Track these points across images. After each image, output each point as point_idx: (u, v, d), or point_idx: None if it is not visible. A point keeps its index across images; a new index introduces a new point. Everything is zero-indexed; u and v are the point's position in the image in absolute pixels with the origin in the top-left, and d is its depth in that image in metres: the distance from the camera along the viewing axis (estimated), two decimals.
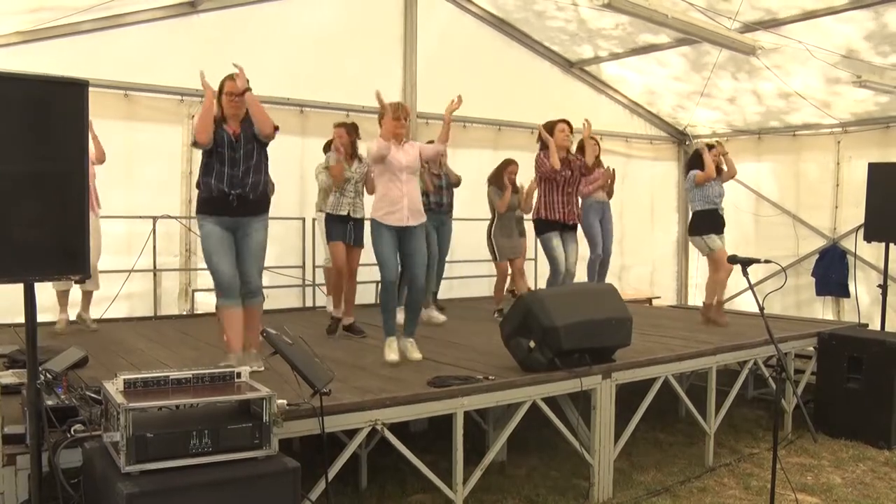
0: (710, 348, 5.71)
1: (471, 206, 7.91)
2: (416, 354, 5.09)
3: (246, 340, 4.65)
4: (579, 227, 6.90)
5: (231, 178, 4.46)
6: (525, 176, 7.39)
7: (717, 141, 7.27)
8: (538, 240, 6.71)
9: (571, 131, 6.55)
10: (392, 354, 5.02)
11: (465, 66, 8.95)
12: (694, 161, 7.12)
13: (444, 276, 7.48)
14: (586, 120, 6.94)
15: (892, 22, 6.97)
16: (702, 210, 7.00)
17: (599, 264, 7.48)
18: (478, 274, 9.02)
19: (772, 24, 7.42)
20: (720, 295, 7.15)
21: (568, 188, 6.47)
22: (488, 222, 7.57)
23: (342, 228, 6.14)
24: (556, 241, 6.50)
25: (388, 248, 5.04)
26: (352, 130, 6.29)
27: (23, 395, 3.34)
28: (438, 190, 7.03)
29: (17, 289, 2.99)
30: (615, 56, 9.40)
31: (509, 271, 7.64)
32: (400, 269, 5.29)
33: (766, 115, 9.70)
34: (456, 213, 7.36)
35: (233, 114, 4.50)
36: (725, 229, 7.16)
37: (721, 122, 10.37)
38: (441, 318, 6.88)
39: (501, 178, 7.46)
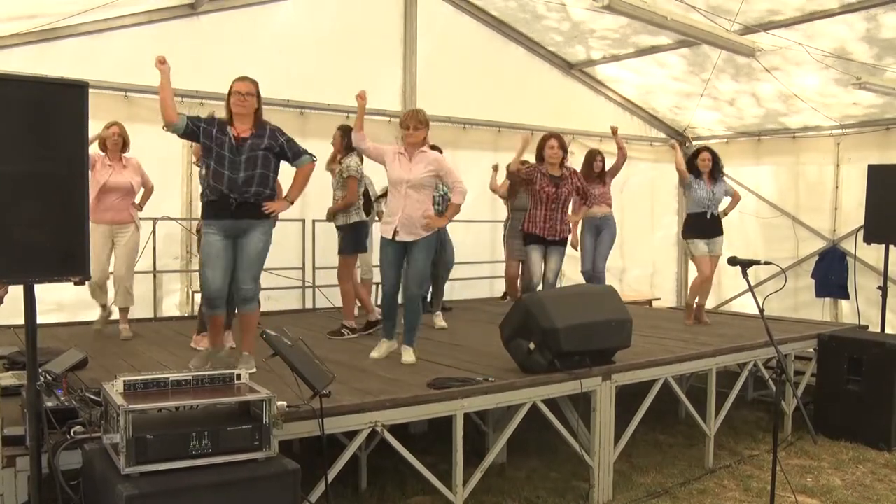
0: (709, 350, 5.71)
1: (471, 208, 7.89)
2: (408, 358, 5.06)
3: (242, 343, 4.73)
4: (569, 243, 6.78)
5: (230, 182, 4.40)
6: None
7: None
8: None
9: (562, 146, 6.34)
10: (374, 352, 5.18)
11: (465, 68, 8.97)
12: (689, 163, 7.15)
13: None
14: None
15: (889, 24, 6.97)
16: (689, 213, 7.08)
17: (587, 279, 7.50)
18: (478, 276, 9.03)
19: (771, 25, 7.42)
20: (702, 299, 7.28)
21: (552, 204, 6.32)
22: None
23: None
24: (534, 255, 6.38)
25: (383, 260, 5.14)
26: (346, 133, 6.37)
27: (23, 397, 3.34)
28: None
29: (17, 290, 2.99)
30: (615, 58, 9.40)
31: (521, 271, 7.67)
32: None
33: (766, 117, 9.70)
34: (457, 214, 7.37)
35: (239, 113, 4.46)
36: (726, 231, 7.18)
37: (721, 124, 10.37)
38: (441, 323, 6.89)
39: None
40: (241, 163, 4.41)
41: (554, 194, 6.28)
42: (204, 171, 4.60)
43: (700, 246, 7.02)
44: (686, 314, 7.35)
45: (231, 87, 4.49)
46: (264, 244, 4.59)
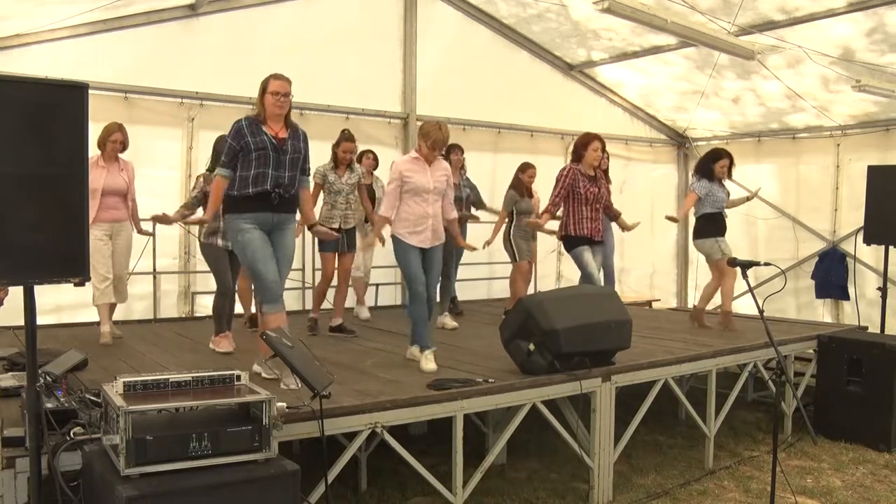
0: (709, 351, 5.71)
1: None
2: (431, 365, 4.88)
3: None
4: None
5: (276, 179, 4.35)
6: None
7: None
8: (570, 254, 6.45)
9: (604, 148, 6.33)
10: (431, 364, 4.83)
11: (465, 69, 8.98)
12: (705, 165, 6.95)
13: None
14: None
15: (891, 23, 6.98)
16: (710, 213, 6.83)
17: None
18: (477, 277, 9.03)
19: (771, 26, 7.42)
20: (727, 304, 6.97)
21: (596, 204, 6.26)
22: (505, 226, 7.63)
23: (333, 241, 6.19)
24: (588, 256, 6.23)
25: (415, 264, 5.02)
26: (350, 139, 6.43)
27: (22, 398, 3.34)
28: (457, 203, 7.13)
29: (17, 291, 2.99)
30: (615, 59, 9.41)
31: (530, 270, 7.71)
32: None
33: (767, 118, 9.71)
34: None
35: (278, 114, 4.40)
36: (727, 232, 7.14)
37: (721, 125, 10.38)
38: (453, 323, 6.89)
39: (520, 182, 7.51)
40: (285, 162, 4.39)
41: (598, 194, 6.27)
42: (240, 172, 4.35)
43: (724, 245, 6.82)
44: (699, 318, 7.10)
45: (267, 86, 4.39)
46: (294, 240, 4.64)
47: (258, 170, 4.32)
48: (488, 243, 7.60)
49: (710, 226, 6.87)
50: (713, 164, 6.89)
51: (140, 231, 6.23)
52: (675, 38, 7.98)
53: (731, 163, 6.97)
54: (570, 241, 6.27)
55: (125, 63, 6.90)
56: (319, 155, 6.76)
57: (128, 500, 2.62)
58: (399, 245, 5.08)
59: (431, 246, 5.10)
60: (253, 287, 4.55)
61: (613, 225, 7.49)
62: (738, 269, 4.26)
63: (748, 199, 7.27)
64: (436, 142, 5.00)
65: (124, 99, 6.93)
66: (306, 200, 4.75)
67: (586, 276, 6.25)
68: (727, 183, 7.06)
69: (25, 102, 2.83)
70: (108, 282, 5.79)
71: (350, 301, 7.70)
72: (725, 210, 6.95)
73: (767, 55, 7.55)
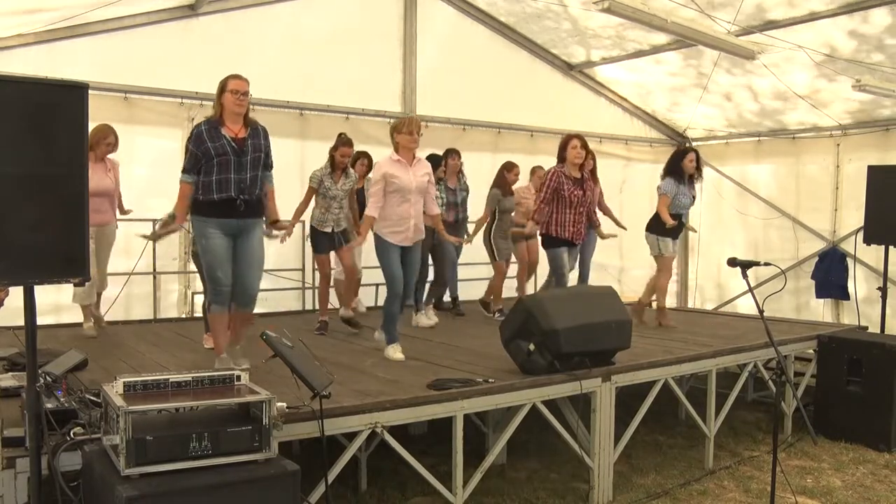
0: (709, 351, 5.71)
1: (469, 209, 7.90)
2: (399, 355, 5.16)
3: (235, 337, 4.76)
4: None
5: (239, 184, 4.40)
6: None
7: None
8: (546, 252, 6.57)
9: (585, 147, 6.32)
10: (398, 354, 5.16)
11: (465, 69, 8.98)
12: (674, 163, 7.07)
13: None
14: None
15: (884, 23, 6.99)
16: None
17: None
18: (477, 277, 9.02)
19: (771, 26, 7.41)
20: (661, 300, 7.25)
21: (580, 207, 6.28)
22: (486, 225, 7.63)
23: (327, 241, 6.52)
24: (565, 258, 6.31)
25: (395, 264, 5.16)
26: (348, 143, 6.48)
27: (22, 398, 3.33)
28: (453, 206, 7.21)
29: (17, 291, 2.99)
30: (615, 59, 9.40)
31: (507, 271, 7.71)
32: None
33: (766, 118, 9.71)
34: None
35: (237, 112, 4.41)
36: (726, 232, 7.18)
37: (720, 124, 10.37)
38: (428, 322, 6.91)
39: (505, 181, 7.50)
40: (246, 164, 4.43)
41: (582, 197, 6.26)
42: (203, 178, 4.42)
43: (671, 246, 7.06)
44: (660, 316, 7.21)
45: (225, 85, 4.42)
46: (263, 243, 4.68)
47: (220, 175, 4.38)
48: (469, 241, 7.58)
49: (661, 224, 7.02)
50: (682, 160, 7.00)
51: (123, 211, 6.31)
52: (675, 39, 7.97)
53: (698, 158, 7.07)
54: (549, 241, 6.38)
55: (125, 63, 6.90)
56: (319, 155, 6.79)
57: (128, 500, 2.62)
58: (381, 243, 5.20)
59: (412, 244, 5.23)
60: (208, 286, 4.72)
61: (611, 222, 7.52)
62: (739, 269, 4.26)
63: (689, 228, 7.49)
64: (410, 124, 5.15)
65: (124, 99, 6.93)
66: (269, 196, 4.79)
67: (558, 278, 6.36)
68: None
69: (25, 102, 2.83)
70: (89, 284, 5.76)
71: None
72: (685, 215, 7.11)
73: (768, 55, 7.54)
